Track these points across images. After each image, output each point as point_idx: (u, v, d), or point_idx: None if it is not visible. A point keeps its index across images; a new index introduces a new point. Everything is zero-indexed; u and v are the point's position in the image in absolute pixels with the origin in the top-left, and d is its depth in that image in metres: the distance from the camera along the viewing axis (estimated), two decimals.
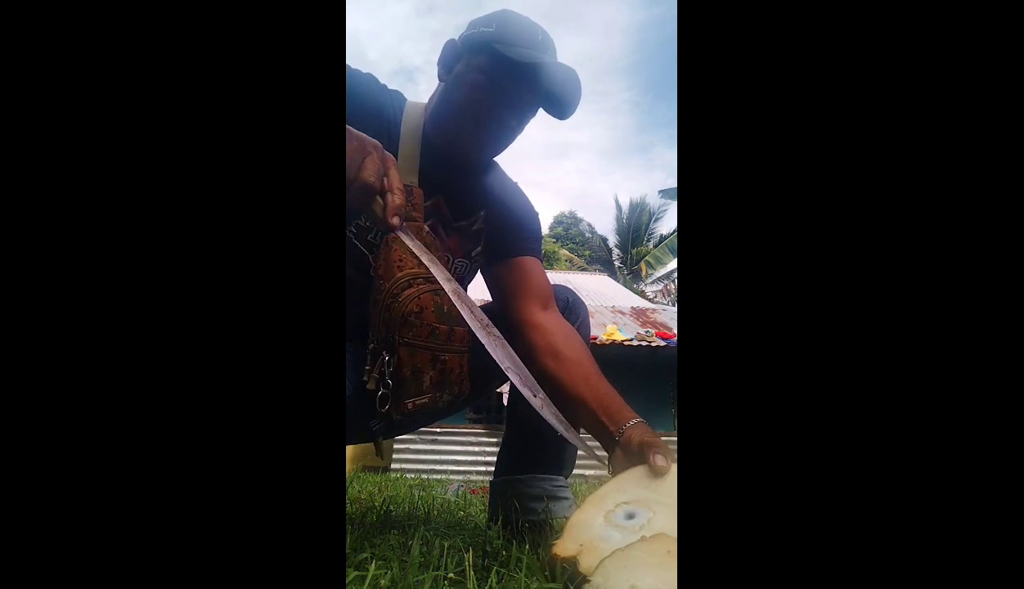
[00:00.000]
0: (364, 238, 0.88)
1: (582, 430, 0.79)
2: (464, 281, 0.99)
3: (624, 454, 0.71)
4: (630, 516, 0.57)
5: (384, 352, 0.78)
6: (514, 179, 1.04)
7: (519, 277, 0.95)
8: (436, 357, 0.83)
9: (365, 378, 0.78)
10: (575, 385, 0.82)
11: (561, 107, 0.86)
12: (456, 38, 0.88)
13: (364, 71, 0.89)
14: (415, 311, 0.79)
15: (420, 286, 0.80)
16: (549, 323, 0.91)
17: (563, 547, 0.56)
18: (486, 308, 0.95)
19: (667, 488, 0.61)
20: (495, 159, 1.00)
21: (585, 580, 0.49)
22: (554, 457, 1.02)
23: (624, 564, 0.47)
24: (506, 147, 0.91)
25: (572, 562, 0.54)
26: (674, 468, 0.63)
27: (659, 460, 0.63)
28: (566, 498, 1.01)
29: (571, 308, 1.02)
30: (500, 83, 0.82)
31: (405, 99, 0.93)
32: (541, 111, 0.89)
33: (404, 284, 0.80)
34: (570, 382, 0.83)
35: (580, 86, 0.85)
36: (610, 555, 0.48)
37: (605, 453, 0.77)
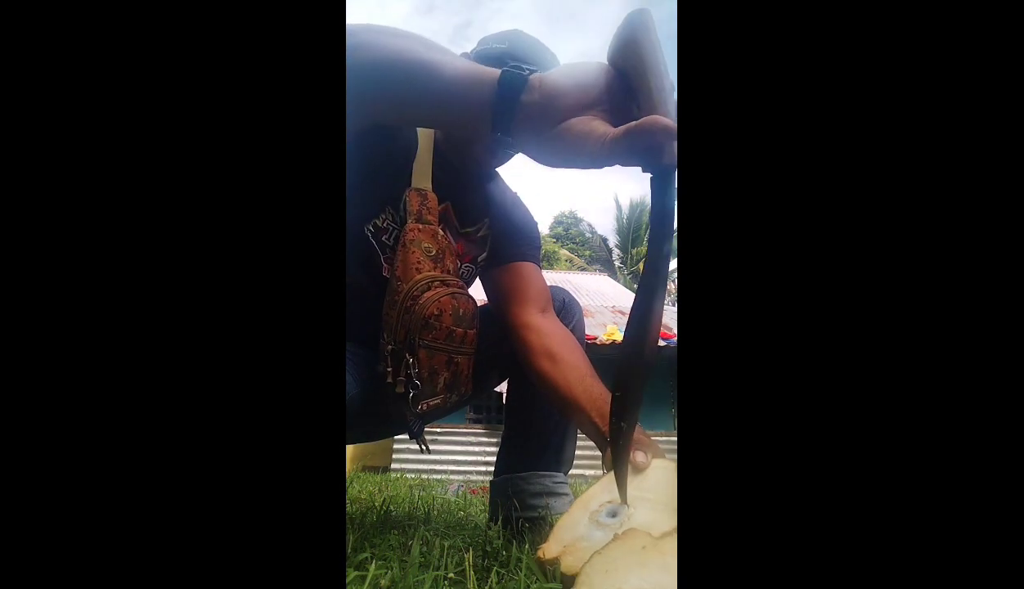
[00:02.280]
0: (380, 238, 0.89)
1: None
2: (470, 285, 1.00)
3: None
4: (612, 514, 0.57)
5: (407, 354, 0.78)
6: (511, 177, 1.07)
7: (518, 281, 0.97)
8: (451, 359, 0.84)
9: (389, 380, 0.79)
10: (570, 386, 0.83)
11: None
12: (469, 52, 0.91)
13: None
14: (435, 314, 0.80)
15: (438, 289, 0.81)
16: (546, 326, 0.92)
17: (547, 549, 0.57)
18: (483, 310, 0.97)
19: (649, 484, 0.61)
20: (498, 172, 1.03)
21: (572, 583, 0.48)
22: (553, 454, 1.03)
23: (606, 567, 0.47)
24: (510, 157, 0.95)
25: (555, 563, 0.54)
26: (656, 463, 0.63)
27: (638, 456, 0.63)
28: (566, 494, 1.02)
29: (566, 308, 1.04)
30: None
31: None
32: None
33: (424, 286, 0.81)
34: (565, 383, 0.84)
35: None
36: (589, 560, 0.48)
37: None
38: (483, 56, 0.88)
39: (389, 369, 0.80)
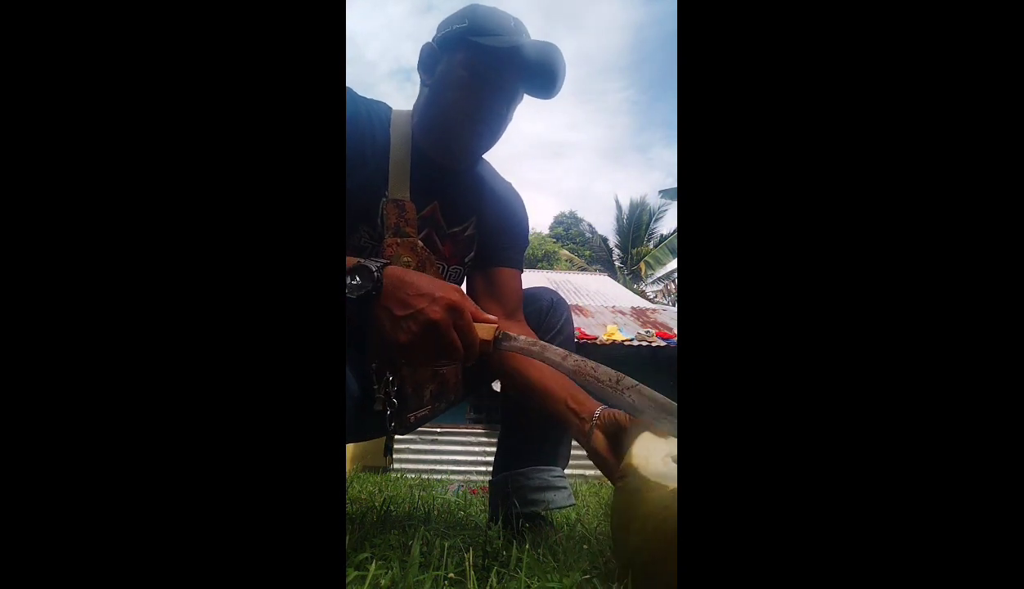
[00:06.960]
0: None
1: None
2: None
3: (607, 434, 0.75)
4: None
5: (388, 373, 0.79)
6: (511, 179, 1.04)
7: (491, 287, 0.97)
8: (436, 372, 0.84)
9: (375, 403, 0.80)
10: (543, 379, 0.84)
11: (549, 83, 0.85)
12: (431, 40, 0.87)
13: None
14: None
15: None
16: (512, 329, 0.92)
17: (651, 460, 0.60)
18: None
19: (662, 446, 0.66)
20: (487, 161, 1.00)
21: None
22: (551, 448, 1.03)
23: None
24: (497, 140, 0.91)
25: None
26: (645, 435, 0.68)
27: (617, 414, 0.71)
28: (565, 487, 1.02)
29: (554, 307, 1.03)
30: (484, 74, 0.82)
31: (390, 109, 0.93)
32: (544, 103, 0.90)
33: None
34: (538, 375, 0.84)
35: (563, 59, 0.84)
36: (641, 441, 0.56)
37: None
38: (446, 40, 0.84)
39: (375, 387, 0.80)
